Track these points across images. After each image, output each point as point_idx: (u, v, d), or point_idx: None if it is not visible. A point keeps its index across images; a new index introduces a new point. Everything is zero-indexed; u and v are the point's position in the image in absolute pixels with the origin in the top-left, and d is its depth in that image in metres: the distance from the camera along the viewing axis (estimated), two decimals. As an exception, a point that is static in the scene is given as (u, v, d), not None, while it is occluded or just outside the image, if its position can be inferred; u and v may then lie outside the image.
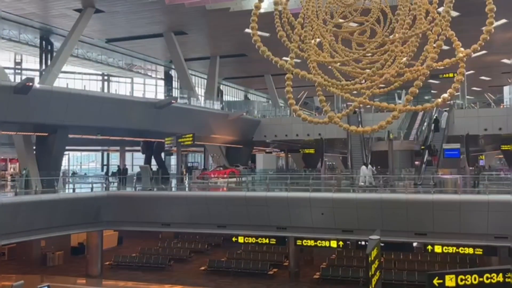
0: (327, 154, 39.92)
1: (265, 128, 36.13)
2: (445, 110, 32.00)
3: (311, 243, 19.73)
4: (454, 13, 22.24)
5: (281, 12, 6.92)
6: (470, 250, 17.74)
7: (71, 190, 23.68)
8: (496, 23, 6.15)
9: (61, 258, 24.67)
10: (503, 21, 26.32)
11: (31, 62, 37.90)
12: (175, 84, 44.56)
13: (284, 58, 6.07)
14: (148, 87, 46.81)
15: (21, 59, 38.49)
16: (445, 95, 5.73)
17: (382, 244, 14.97)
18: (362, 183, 20.65)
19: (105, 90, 42.21)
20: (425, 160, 25.71)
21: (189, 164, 48.83)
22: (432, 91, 50.78)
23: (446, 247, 18.04)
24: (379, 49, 7.79)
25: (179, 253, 25.99)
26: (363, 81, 6.64)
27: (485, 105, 38.45)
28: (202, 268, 23.10)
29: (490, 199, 16.46)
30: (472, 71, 39.22)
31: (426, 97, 49.55)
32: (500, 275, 11.24)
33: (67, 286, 20.19)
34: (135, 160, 48.50)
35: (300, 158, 46.73)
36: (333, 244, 19.56)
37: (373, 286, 12.11)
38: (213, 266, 22.82)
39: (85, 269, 22.36)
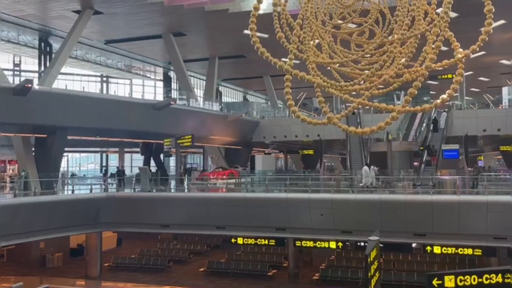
0: (326, 155, 39.98)
1: (264, 129, 36.13)
2: (444, 111, 32.05)
3: (310, 244, 19.72)
4: (453, 14, 22.27)
5: (280, 13, 6.93)
6: (469, 251, 17.75)
7: (70, 192, 23.64)
8: (494, 24, 6.17)
9: (60, 260, 24.62)
10: (502, 22, 26.37)
11: (30, 63, 37.86)
12: (174, 85, 44.55)
13: (283, 59, 6.08)
14: (147, 89, 46.82)
15: (20, 61, 38.46)
16: (444, 96, 5.75)
17: (381, 245, 14.96)
18: (366, 183, 20.57)
19: (104, 92, 42.20)
20: (424, 160, 25.72)
21: (187, 166, 48.80)
22: (431, 92, 50.84)
23: (445, 248, 18.05)
24: (378, 50, 7.81)
25: (178, 254, 25.95)
26: (362, 82, 6.66)
27: (484, 106, 38.50)
28: (202, 269, 23.07)
29: (489, 200, 16.47)
30: (470, 72, 39.28)
31: (425, 98, 49.59)
32: (499, 275, 11.25)
33: (66, 287, 20.14)
34: (134, 162, 48.44)
35: (299, 159, 46.75)
36: (332, 245, 19.56)
37: (372, 287, 12.11)
38: (212, 267, 22.79)
39: (84, 271, 22.31)
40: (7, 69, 36.40)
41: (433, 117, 29.82)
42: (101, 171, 46.17)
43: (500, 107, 37.11)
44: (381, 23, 8.92)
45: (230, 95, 54.65)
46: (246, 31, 25.25)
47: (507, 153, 38.11)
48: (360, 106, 6.68)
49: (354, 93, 6.89)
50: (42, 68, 32.44)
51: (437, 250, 18.16)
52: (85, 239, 23.27)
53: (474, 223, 16.49)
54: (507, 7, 23.71)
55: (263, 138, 36.41)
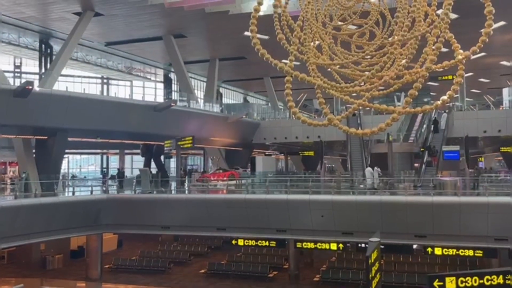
0: (326, 157, 39.95)
1: (264, 130, 36.14)
2: (445, 111, 32.05)
3: (311, 245, 19.70)
4: (453, 15, 22.29)
5: (281, 15, 6.94)
6: (470, 252, 17.72)
7: (70, 193, 23.64)
8: (495, 25, 6.17)
9: (60, 262, 24.60)
10: (502, 23, 26.38)
11: (31, 65, 37.92)
12: (174, 87, 44.59)
13: (283, 60, 6.08)
14: (148, 90, 46.86)
15: (21, 63, 38.51)
16: (445, 97, 5.75)
17: (382, 246, 14.96)
18: (370, 185, 20.49)
19: (105, 93, 42.26)
20: (425, 160, 25.70)
21: (188, 167, 48.80)
22: (431, 93, 50.83)
23: (446, 249, 18.02)
24: (379, 52, 7.82)
25: (179, 256, 25.93)
26: (363, 83, 6.66)
27: (484, 107, 38.50)
28: (202, 271, 23.05)
29: (490, 201, 16.46)
30: (471, 73, 39.29)
31: (425, 99, 49.56)
32: (501, 277, 11.24)
33: (67, 289, 20.14)
34: (135, 163, 48.46)
35: (299, 161, 46.73)
36: (333, 246, 19.53)
37: (373, 289, 12.09)
38: (213, 269, 22.77)
39: (84, 272, 22.30)
40: (8, 71, 36.43)
41: (434, 118, 29.81)
42: (101, 173, 46.17)
43: (501, 108, 37.10)
44: (382, 24, 8.93)
45: (231, 96, 54.69)
46: (246, 33, 25.27)
47: (508, 154, 38.05)
48: (360, 108, 6.68)
49: (354, 94, 6.89)
50: (43, 70, 32.50)
51: (438, 251, 18.14)
52: (85, 241, 23.26)
53: (475, 225, 16.47)
54: (507, 8, 23.73)
55: (263, 140, 36.42)
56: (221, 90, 49.91)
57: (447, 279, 11.23)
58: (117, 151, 45.08)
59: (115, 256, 25.01)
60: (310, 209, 18.36)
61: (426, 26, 6.45)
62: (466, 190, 19.08)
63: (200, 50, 36.74)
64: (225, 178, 27.55)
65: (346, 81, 7.31)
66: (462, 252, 17.87)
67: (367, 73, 7.07)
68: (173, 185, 26.86)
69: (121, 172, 33.74)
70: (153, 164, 34.89)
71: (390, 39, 7.82)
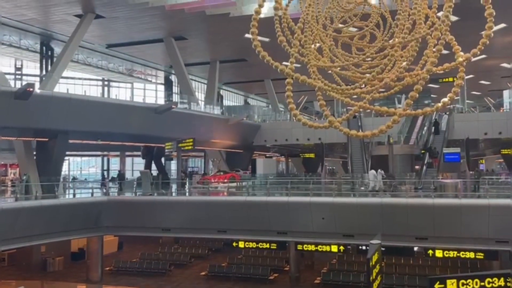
0: (327, 159, 39.93)
1: (265, 132, 36.14)
2: (445, 113, 32.04)
3: (311, 247, 19.67)
4: (454, 18, 22.32)
5: (281, 17, 6.95)
6: (471, 255, 17.69)
7: (71, 195, 23.64)
8: (495, 28, 6.18)
9: (61, 264, 24.59)
10: (502, 25, 26.40)
11: (32, 67, 37.98)
12: (175, 89, 44.64)
13: (284, 63, 6.09)
14: (148, 92, 46.89)
15: (22, 65, 38.57)
16: (445, 99, 5.75)
17: (383, 249, 14.95)
18: (373, 187, 20.42)
19: (106, 95, 42.28)
20: (425, 162, 25.69)
21: (189, 169, 48.80)
22: (432, 95, 50.84)
23: (447, 252, 17.98)
24: (379, 54, 7.83)
25: (179, 258, 25.92)
26: (363, 85, 6.66)
27: (485, 109, 38.49)
28: (203, 273, 23.03)
29: (491, 203, 16.44)
30: (471, 75, 39.28)
31: (426, 101, 49.56)
32: (502, 279, 11.23)
33: (67, 291, 20.13)
34: (135, 165, 48.47)
35: (300, 163, 46.74)
36: (334, 248, 19.51)
37: (374, 291, 12.07)
38: (213, 271, 22.74)
39: (85, 275, 22.29)
40: (9, 73, 36.49)
41: (434, 120, 29.81)
42: (102, 175, 46.19)
43: (501, 111, 37.07)
44: (382, 27, 8.95)
45: (231, 98, 54.74)
46: (247, 35, 25.31)
47: (509, 156, 38.05)
48: (361, 110, 6.68)
49: (355, 96, 6.89)
50: (44, 72, 32.53)
51: (439, 253, 18.10)
52: (86, 243, 23.25)
53: (476, 227, 16.45)
54: (507, 10, 23.75)
55: (264, 142, 36.42)
56: (221, 92, 49.94)
57: (448, 282, 11.22)
58: (118, 153, 45.08)
59: (116, 258, 25.00)
60: (311, 211, 18.34)
61: (426, 29, 6.45)
62: (467, 192, 19.05)
63: (200, 52, 36.80)
64: (225, 180, 27.56)
65: (347, 83, 7.31)
66: (463, 254, 17.83)
67: (367, 75, 7.07)
68: (174, 187, 26.85)
69: (121, 174, 33.77)
70: (153, 166, 34.90)
71: (390, 41, 7.82)
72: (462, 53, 5.55)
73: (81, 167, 53.30)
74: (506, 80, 43.01)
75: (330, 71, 7.47)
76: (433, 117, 30.30)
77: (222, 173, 30.63)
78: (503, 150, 37.13)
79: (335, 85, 6.58)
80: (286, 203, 18.90)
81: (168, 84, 45.02)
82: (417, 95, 5.54)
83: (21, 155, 25.01)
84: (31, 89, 20.14)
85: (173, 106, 27.33)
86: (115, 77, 43.59)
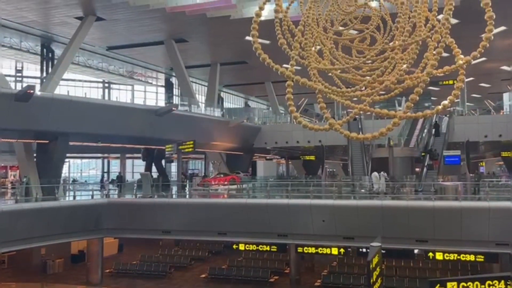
0: (327, 161, 39.92)
1: (265, 135, 36.15)
2: (446, 115, 32.05)
3: (312, 250, 19.67)
4: (454, 21, 22.35)
5: (282, 20, 6.97)
6: (472, 257, 17.68)
7: (71, 198, 23.64)
8: (495, 30, 6.19)
9: (61, 266, 24.57)
10: (502, 28, 26.44)
11: (32, 69, 38.06)
12: (175, 91, 44.69)
13: (284, 65, 6.10)
14: (149, 95, 46.97)
15: (22, 67, 38.65)
16: (445, 102, 5.76)
17: (384, 251, 14.92)
18: (376, 189, 20.37)
19: (106, 98, 42.32)
20: (426, 164, 25.71)
21: (189, 171, 48.79)
22: (432, 98, 50.88)
23: (448, 254, 17.99)
24: (379, 56, 7.83)
25: (179, 260, 25.89)
26: (364, 88, 6.67)
27: (485, 112, 38.51)
28: (203, 275, 23.01)
29: (491, 206, 16.43)
30: (472, 78, 39.32)
31: (426, 104, 49.61)
32: (502, 282, 11.22)
33: (67, 294, 20.10)
34: (136, 167, 48.48)
35: (300, 165, 46.72)
36: (334, 251, 19.50)
37: (374, 294, 12.06)
38: (213, 274, 22.72)
39: (85, 277, 22.26)
40: (9, 75, 36.59)
41: (435, 122, 29.84)
42: (101, 177, 46.22)
43: (501, 113, 37.08)
44: (382, 29, 8.96)
45: (232, 101, 54.78)
46: (247, 37, 25.36)
47: (509, 159, 38.02)
48: (361, 112, 6.69)
49: (355, 99, 6.90)
50: (44, 74, 32.59)
51: (439, 256, 18.10)
52: (86, 245, 23.23)
53: (476, 229, 16.44)
54: (507, 13, 23.79)
55: (264, 144, 36.43)
56: (222, 94, 49.97)
57: (449, 284, 11.21)
58: (118, 155, 45.12)
59: (116, 261, 24.98)
60: (311, 214, 18.33)
61: (426, 31, 6.47)
62: (467, 195, 19.04)
63: (201, 55, 36.85)
64: (226, 183, 27.56)
65: (347, 86, 7.33)
66: (463, 257, 17.84)
67: (368, 77, 7.09)
68: (174, 189, 26.84)
69: (119, 177, 33.78)
70: (154, 169, 34.90)
71: (391, 44, 7.84)
72: (462, 56, 5.57)
73: (81, 169, 53.31)
74: (506, 83, 43.07)
75: (330, 74, 7.48)
76: (433, 119, 30.32)
77: (222, 175, 30.64)
78: (503, 153, 37.11)
79: (335, 87, 6.59)
80: (287, 205, 18.89)
81: (168, 86, 45.07)
82: (417, 97, 5.55)
83: (21, 157, 25.01)
84: (31, 91, 20.16)
85: (173, 108, 27.34)
86: (116, 79, 43.65)
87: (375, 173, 21.13)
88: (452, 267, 21.47)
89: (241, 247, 21.16)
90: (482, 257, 17.51)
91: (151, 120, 26.23)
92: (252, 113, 43.38)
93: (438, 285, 11.34)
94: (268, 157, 44.65)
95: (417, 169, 27.53)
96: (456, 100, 10.30)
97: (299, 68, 6.25)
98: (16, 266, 24.51)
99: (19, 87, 29.53)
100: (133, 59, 37.97)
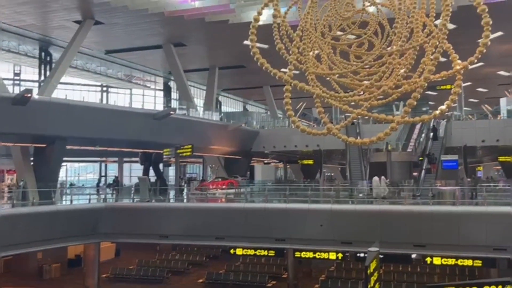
0: (325, 165, 39.92)
1: (263, 139, 36.13)
2: (443, 119, 32.11)
3: (310, 255, 19.61)
4: (451, 26, 22.46)
5: (280, 25, 6.98)
6: (469, 262, 17.64)
7: (68, 202, 23.54)
8: (492, 36, 6.21)
9: (57, 271, 24.45)
10: (499, 33, 26.57)
11: (30, 73, 37.99)
12: (174, 95, 44.68)
13: (282, 69, 6.11)
14: (147, 98, 46.92)
15: (20, 70, 38.58)
16: (443, 107, 5.77)
17: (381, 256, 14.91)
18: (377, 194, 20.31)
19: (104, 101, 42.28)
20: (424, 167, 25.72)
21: (187, 175, 48.68)
22: (429, 103, 51.01)
23: (445, 259, 17.94)
24: (377, 61, 7.85)
25: (177, 265, 25.80)
26: (361, 92, 6.68)
27: (483, 117, 38.61)
28: (200, 280, 22.93)
29: (489, 211, 16.44)
30: (469, 83, 39.45)
31: (424, 109, 49.70)
32: (500, 287, 11.20)
33: (64, 298, 19.97)
34: (133, 171, 48.34)
35: (298, 169, 46.71)
36: (332, 256, 19.44)
37: (372, 299, 12.02)
38: (211, 279, 22.64)
39: (82, 282, 22.13)
40: (7, 79, 36.46)
41: (433, 126, 29.90)
42: (98, 181, 46.08)
43: (499, 118, 37.17)
44: (380, 34, 9.00)
45: (230, 105, 54.80)
46: (246, 42, 25.37)
47: (506, 163, 38.08)
48: (359, 117, 6.69)
49: (353, 103, 6.91)
50: (42, 78, 32.56)
51: (437, 261, 18.05)
52: (83, 249, 23.12)
53: (474, 234, 16.43)
54: (504, 18, 23.91)
55: (262, 148, 36.40)
56: (220, 98, 49.99)
57: (447, 289, 11.17)
58: (116, 159, 45.00)
59: (113, 265, 24.89)
60: (309, 218, 18.30)
61: (424, 37, 6.49)
62: (465, 200, 19.05)
63: (199, 59, 36.89)
64: (224, 187, 27.51)
65: (345, 91, 7.34)
66: (461, 262, 17.80)
67: (366, 82, 7.10)
68: (172, 193, 26.77)
69: (115, 180, 33.66)
70: (152, 173, 34.81)
71: (388, 49, 7.86)
72: (459, 61, 5.58)
73: (78, 173, 53.13)
74: (503, 88, 43.23)
75: (328, 78, 7.49)
76: (431, 123, 30.39)
77: (220, 179, 30.59)
78: (500, 157, 37.15)
79: (333, 92, 6.60)
80: (284, 210, 18.86)
81: (167, 90, 45.07)
82: (415, 103, 5.56)
83: (18, 161, 24.93)
84: (29, 95, 20.12)
85: (171, 112, 27.33)
86: (114, 83, 43.61)
87: (376, 178, 21.06)
88: (450, 272, 21.47)
89: (239, 251, 21.11)
90: (480, 262, 17.48)
91: (149, 124, 26.20)
92: (250, 117, 43.39)
93: (436, 290, 11.32)
94: (266, 161, 44.62)
95: (415, 174, 27.55)
96: (453, 105, 10.33)
97: (297, 72, 6.25)
98: (12, 271, 24.40)
99: (16, 90, 29.49)
100: (131, 63, 37.99)
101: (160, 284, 22.91)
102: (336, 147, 32.62)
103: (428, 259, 18.23)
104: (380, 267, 15.36)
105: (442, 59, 5.76)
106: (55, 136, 22.42)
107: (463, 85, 31.69)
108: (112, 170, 49.52)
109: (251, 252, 20.87)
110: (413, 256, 19.66)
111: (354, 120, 8.52)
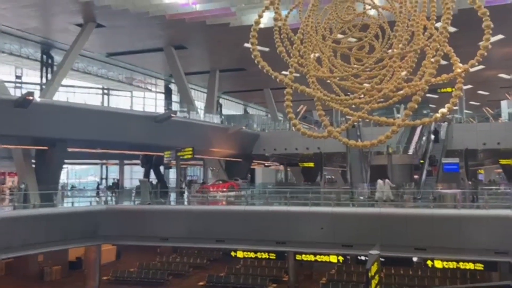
0: (326, 168, 39.90)
1: (264, 141, 36.12)
2: (445, 121, 32.11)
3: (310, 258, 19.57)
4: (452, 29, 22.46)
5: (281, 28, 7.00)
6: (471, 266, 17.60)
7: (69, 204, 23.55)
8: (493, 39, 6.22)
9: (58, 273, 24.42)
10: (500, 36, 26.60)
11: (32, 76, 38.08)
12: (174, 98, 44.72)
13: (283, 72, 6.12)
14: (148, 101, 46.98)
15: (22, 73, 38.67)
16: (444, 110, 5.77)
17: (382, 259, 14.86)
18: (380, 197, 20.25)
19: (105, 104, 42.35)
20: (425, 169, 25.68)
21: (187, 178, 48.65)
22: (430, 105, 50.98)
23: (447, 262, 17.91)
24: (378, 64, 7.86)
25: (177, 268, 25.76)
26: (362, 95, 6.69)
27: (484, 120, 38.59)
28: (201, 283, 22.88)
29: (490, 214, 16.41)
30: (470, 86, 39.45)
31: (425, 111, 49.65)
32: (501, 290, 11.15)
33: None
34: (134, 174, 48.33)
35: (299, 172, 46.65)
36: (333, 259, 19.39)
37: (373, 302, 11.98)
38: (212, 281, 22.60)
39: (82, 284, 22.12)
40: (9, 81, 36.54)
41: (434, 128, 29.87)
42: (98, 184, 46.06)
43: (500, 121, 37.14)
44: (381, 37, 9.01)
45: (231, 107, 54.82)
46: (246, 45, 25.44)
47: (507, 166, 38.01)
48: (360, 120, 6.70)
49: (354, 106, 6.91)
50: (44, 81, 32.62)
51: (438, 264, 18.02)
52: (84, 252, 23.11)
53: (475, 238, 16.40)
54: (505, 22, 23.94)
55: (263, 151, 36.39)
56: (221, 101, 50.02)
57: (448, 293, 11.14)
58: (117, 161, 45.02)
59: (114, 268, 24.86)
60: (310, 221, 18.29)
61: (425, 40, 6.50)
62: (466, 203, 19.02)
63: (200, 62, 36.96)
64: (224, 189, 27.49)
65: (346, 94, 7.35)
66: (462, 265, 17.76)
67: (366, 85, 7.11)
68: (173, 196, 26.77)
69: (115, 183, 33.67)
70: (152, 175, 34.81)
71: (389, 52, 7.87)
72: (460, 64, 5.59)
73: (79, 176, 53.12)
74: (504, 90, 43.23)
75: (329, 81, 7.50)
76: (432, 126, 30.37)
77: (221, 182, 30.58)
78: (501, 160, 37.10)
79: (334, 95, 6.60)
80: (285, 212, 18.85)
81: (167, 93, 45.13)
82: (416, 106, 5.56)
83: (19, 163, 24.94)
84: (30, 98, 20.16)
85: (172, 115, 27.36)
86: (115, 86, 43.70)
87: (380, 181, 20.96)
88: (451, 275, 21.40)
89: (240, 254, 21.04)
90: (482, 265, 17.42)
91: (150, 127, 26.23)
92: (251, 120, 43.39)
93: (437, 293, 11.28)
94: (266, 164, 44.59)
95: (415, 177, 27.52)
96: (454, 108, 10.33)
97: (298, 75, 6.27)
98: (13, 273, 24.37)
99: (18, 93, 29.53)
100: (132, 66, 38.07)
101: (161, 286, 22.89)
102: (336, 150, 32.60)
103: (429, 262, 18.20)
104: (381, 270, 15.32)
105: (443, 62, 5.78)
106: (57, 138, 22.46)
107: (464, 88, 31.79)
108: (113, 172, 49.52)
109: (252, 254, 20.81)
110: (414, 259, 19.62)
111: (355, 123, 8.54)
